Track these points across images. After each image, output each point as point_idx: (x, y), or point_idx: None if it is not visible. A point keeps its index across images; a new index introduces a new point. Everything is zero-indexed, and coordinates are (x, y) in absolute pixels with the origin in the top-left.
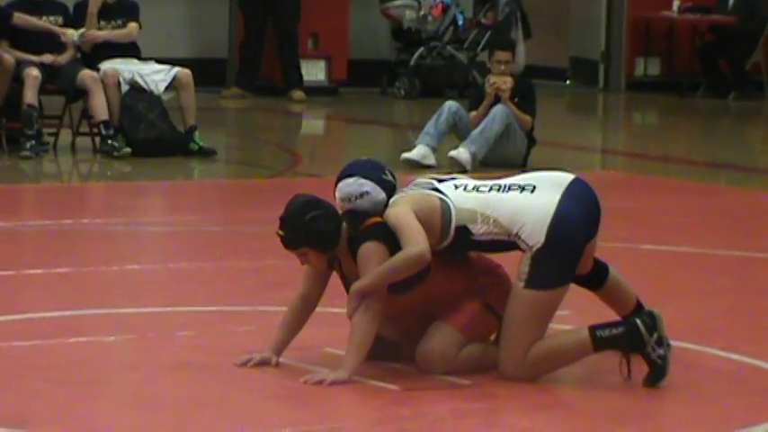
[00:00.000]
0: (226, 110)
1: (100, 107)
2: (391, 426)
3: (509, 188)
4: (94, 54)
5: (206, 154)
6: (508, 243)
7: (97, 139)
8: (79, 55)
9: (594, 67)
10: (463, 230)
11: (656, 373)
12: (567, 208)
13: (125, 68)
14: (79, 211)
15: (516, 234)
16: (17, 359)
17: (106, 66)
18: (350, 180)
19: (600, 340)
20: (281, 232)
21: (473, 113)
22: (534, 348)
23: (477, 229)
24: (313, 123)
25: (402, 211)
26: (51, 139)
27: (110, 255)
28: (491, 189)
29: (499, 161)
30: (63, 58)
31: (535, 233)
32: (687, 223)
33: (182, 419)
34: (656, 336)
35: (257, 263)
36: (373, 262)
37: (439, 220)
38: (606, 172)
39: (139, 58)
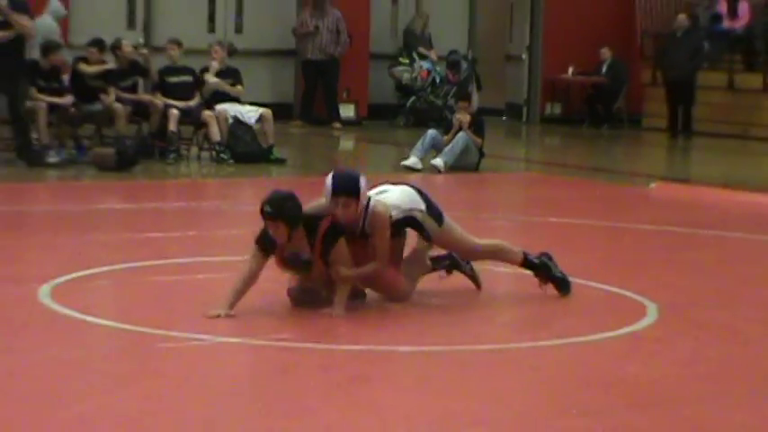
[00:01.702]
0: (292, 135)
1: (215, 133)
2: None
3: (379, 194)
4: (212, 100)
5: (280, 162)
6: (408, 220)
7: (213, 153)
8: (202, 100)
9: (520, 108)
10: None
11: (564, 287)
12: (419, 188)
13: (230, 108)
14: (202, 197)
15: (410, 209)
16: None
17: (219, 107)
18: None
19: (529, 262)
20: (268, 208)
21: (446, 137)
22: (485, 245)
23: (393, 215)
24: (346, 143)
25: (386, 225)
26: (185, 153)
27: (220, 223)
28: (380, 194)
29: (461, 167)
30: (193, 103)
31: (417, 204)
32: (579, 206)
33: None
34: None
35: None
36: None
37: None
38: (528, 173)
39: (239, 102)
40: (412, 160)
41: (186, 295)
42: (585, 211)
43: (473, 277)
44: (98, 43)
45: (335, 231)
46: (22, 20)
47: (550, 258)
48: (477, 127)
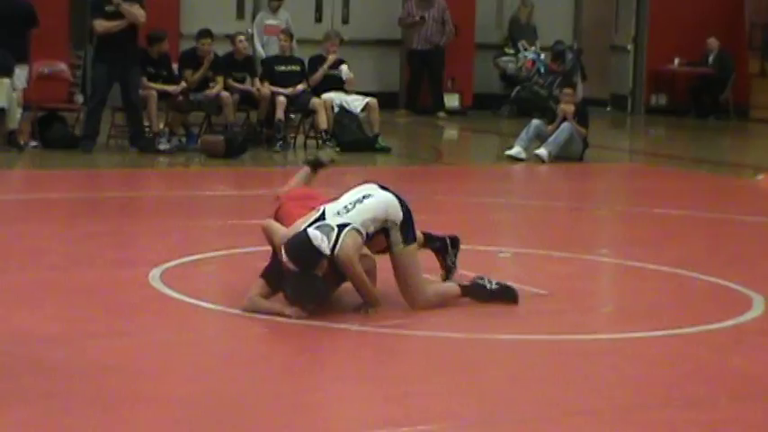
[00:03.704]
0: (397, 124)
1: (323, 121)
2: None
3: (360, 201)
4: (319, 88)
5: (385, 151)
6: (384, 229)
7: (319, 141)
8: (309, 89)
9: (625, 99)
10: (365, 235)
11: (507, 294)
12: (398, 194)
13: (336, 97)
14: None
15: (386, 220)
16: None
17: (326, 96)
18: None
19: (464, 288)
20: None
21: (550, 127)
22: (430, 290)
23: (369, 230)
24: (450, 133)
25: (351, 264)
26: (292, 141)
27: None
28: (354, 205)
29: (565, 157)
30: (299, 90)
31: (395, 217)
32: (684, 197)
33: None
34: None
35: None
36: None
37: (361, 243)
38: (632, 164)
39: (345, 91)
40: (516, 150)
41: None
42: (690, 202)
43: (448, 271)
44: (206, 34)
45: None
46: (133, 9)
47: (481, 278)
48: (581, 117)
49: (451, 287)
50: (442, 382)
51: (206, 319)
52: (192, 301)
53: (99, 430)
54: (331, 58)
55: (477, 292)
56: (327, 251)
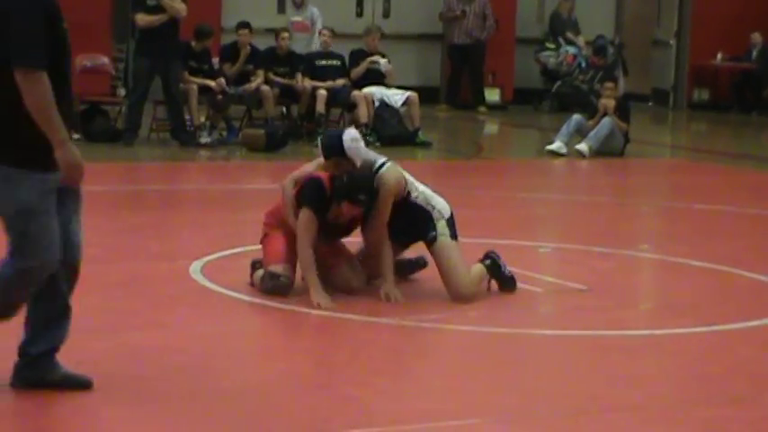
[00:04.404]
0: (437, 118)
1: (363, 114)
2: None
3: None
4: (360, 82)
5: (425, 145)
6: (425, 210)
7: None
8: (349, 83)
9: (667, 94)
10: (408, 193)
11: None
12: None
13: (377, 91)
14: None
15: (432, 206)
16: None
17: (366, 90)
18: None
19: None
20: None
21: (590, 122)
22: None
23: (414, 196)
24: (491, 127)
25: (390, 191)
26: None
27: None
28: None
29: (606, 152)
30: (339, 84)
31: (444, 210)
32: (726, 193)
33: None
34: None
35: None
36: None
37: (403, 183)
38: (674, 159)
39: (386, 85)
40: (556, 145)
41: None
42: (732, 197)
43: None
44: (245, 25)
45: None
46: (175, 3)
47: (498, 256)
48: (622, 112)
49: (481, 269)
50: (482, 377)
51: (246, 312)
52: (233, 294)
53: (137, 422)
54: (378, 59)
55: (491, 271)
56: (376, 163)
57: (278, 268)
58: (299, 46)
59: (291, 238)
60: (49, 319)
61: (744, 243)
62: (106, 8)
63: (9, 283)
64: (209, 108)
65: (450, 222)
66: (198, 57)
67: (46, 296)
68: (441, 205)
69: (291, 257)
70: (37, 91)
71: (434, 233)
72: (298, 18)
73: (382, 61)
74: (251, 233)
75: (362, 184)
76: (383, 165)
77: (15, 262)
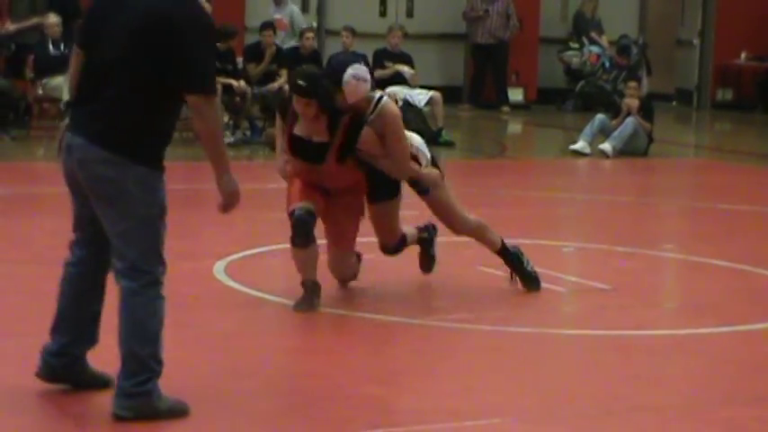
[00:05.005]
0: (461, 118)
1: None
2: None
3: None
4: (384, 82)
5: (448, 145)
6: (417, 159)
7: None
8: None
9: (690, 93)
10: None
11: (532, 283)
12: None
13: (400, 91)
14: None
15: (423, 153)
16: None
17: (390, 89)
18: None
19: (505, 251)
20: (302, 83)
21: (614, 122)
22: (473, 219)
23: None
24: (514, 127)
25: (399, 123)
26: None
27: None
28: None
29: (629, 151)
30: None
31: (426, 152)
32: (749, 192)
33: None
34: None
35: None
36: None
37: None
38: (698, 159)
39: (410, 85)
40: (580, 144)
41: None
42: (756, 198)
43: (427, 260)
44: (269, 26)
45: (358, 123)
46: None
47: (522, 253)
48: (646, 112)
49: (495, 235)
50: (505, 377)
51: (269, 311)
52: (256, 293)
53: (159, 421)
54: (402, 68)
55: (512, 261)
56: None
57: (296, 205)
58: (285, 43)
59: (307, 183)
60: (95, 319)
61: (767, 243)
62: None
63: (150, 310)
64: (228, 109)
65: (434, 161)
66: (222, 57)
67: (92, 295)
68: (423, 147)
69: (310, 196)
70: (211, 117)
71: (423, 188)
72: (278, 15)
73: (406, 68)
74: (274, 232)
75: (308, 72)
76: (382, 97)
77: (142, 278)
